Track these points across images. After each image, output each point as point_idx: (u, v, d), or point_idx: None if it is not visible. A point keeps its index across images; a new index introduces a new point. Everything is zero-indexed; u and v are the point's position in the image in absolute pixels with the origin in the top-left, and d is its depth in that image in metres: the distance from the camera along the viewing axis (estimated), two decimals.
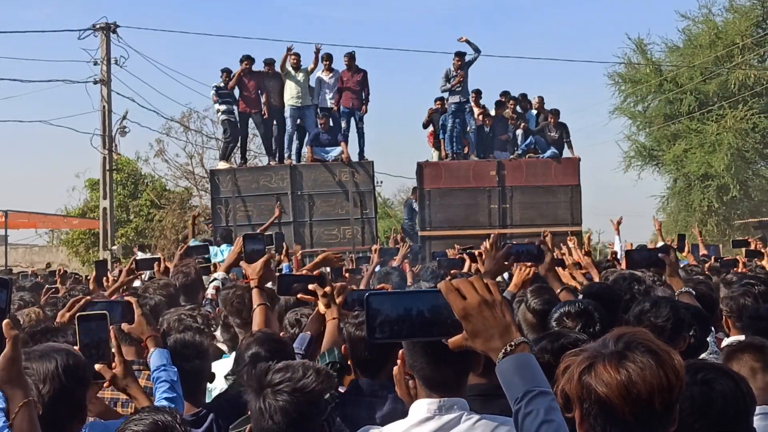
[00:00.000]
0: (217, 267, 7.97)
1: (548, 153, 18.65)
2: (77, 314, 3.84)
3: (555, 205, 18.46)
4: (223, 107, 18.18)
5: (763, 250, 9.82)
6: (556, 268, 6.09)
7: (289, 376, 3.10)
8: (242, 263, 5.55)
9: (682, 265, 7.98)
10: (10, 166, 75.23)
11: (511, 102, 19.38)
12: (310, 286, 4.74)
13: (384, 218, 37.49)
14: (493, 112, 19.12)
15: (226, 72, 18.10)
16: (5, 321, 2.53)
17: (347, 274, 10.04)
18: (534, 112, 19.65)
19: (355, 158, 18.34)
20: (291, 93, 17.93)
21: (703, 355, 4.65)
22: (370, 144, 20.04)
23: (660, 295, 5.35)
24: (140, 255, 12.74)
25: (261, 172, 18.86)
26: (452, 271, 7.41)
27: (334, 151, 18.12)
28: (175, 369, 4.10)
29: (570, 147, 18.90)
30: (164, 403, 3.79)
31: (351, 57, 18.27)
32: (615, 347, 2.23)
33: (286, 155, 18.37)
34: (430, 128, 19.81)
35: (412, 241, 18.33)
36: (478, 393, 3.08)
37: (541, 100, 19.70)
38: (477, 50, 18.29)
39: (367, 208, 18.25)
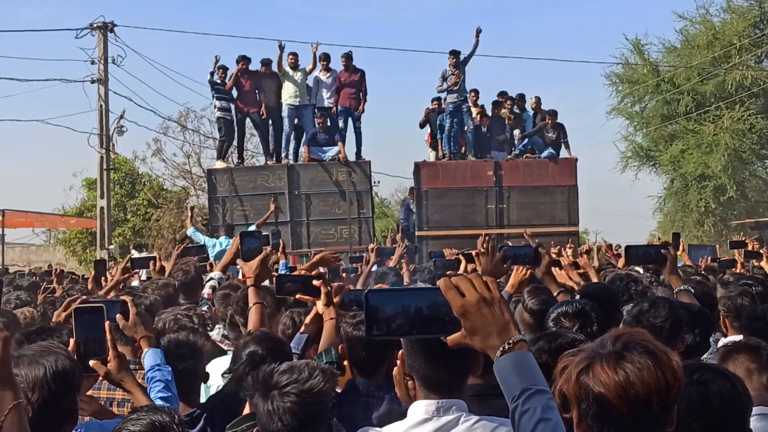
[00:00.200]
0: (214, 266, 7.97)
1: (545, 153, 18.66)
2: (74, 307, 3.83)
3: (552, 206, 18.47)
4: (219, 104, 18.17)
5: (762, 251, 9.82)
6: (553, 268, 6.10)
7: (296, 377, 3.10)
8: (239, 261, 5.54)
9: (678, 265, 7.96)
10: (7, 165, 75.22)
11: (509, 102, 19.37)
12: (315, 282, 4.74)
13: (381, 218, 37.52)
14: (490, 112, 19.12)
15: (223, 69, 18.08)
16: None
17: (344, 274, 10.06)
18: (531, 112, 19.65)
19: (352, 158, 18.33)
20: (289, 93, 17.94)
21: (705, 356, 4.65)
22: (367, 144, 20.07)
23: (658, 296, 5.35)
24: (136, 255, 12.74)
25: (258, 171, 18.85)
26: (448, 272, 7.41)
27: (331, 151, 18.11)
28: (170, 368, 4.09)
29: (567, 147, 18.91)
30: (159, 402, 3.78)
31: (348, 57, 18.27)
32: (613, 347, 2.22)
33: (283, 155, 18.37)
34: (428, 129, 19.78)
35: (408, 242, 18.32)
36: (475, 393, 3.07)
37: (538, 100, 19.68)
38: (475, 47, 18.29)
39: (364, 207, 18.25)
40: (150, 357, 4.10)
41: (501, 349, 2.18)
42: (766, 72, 34.99)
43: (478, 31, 18.16)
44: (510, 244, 10.22)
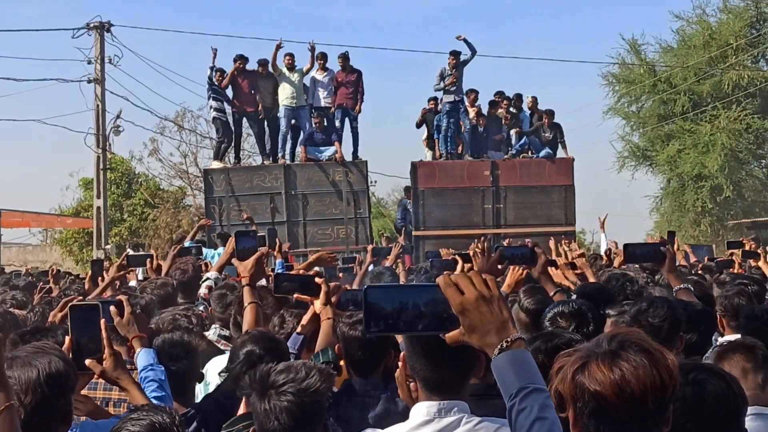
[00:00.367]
0: (209, 266, 7.97)
1: (542, 153, 18.68)
2: (69, 304, 3.82)
3: (549, 205, 18.49)
4: (215, 104, 18.17)
5: (759, 251, 9.82)
6: (549, 268, 6.09)
7: (293, 377, 3.11)
8: (234, 260, 5.54)
9: None
10: (3, 165, 75.04)
11: (505, 102, 19.39)
12: (318, 280, 4.73)
13: (378, 218, 37.49)
14: (486, 112, 19.13)
15: (220, 71, 18.08)
16: None
17: (341, 274, 10.05)
18: (528, 112, 19.66)
19: (348, 158, 18.37)
20: (285, 93, 17.94)
21: (707, 353, 4.64)
22: (364, 143, 20.07)
23: (657, 295, 5.35)
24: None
25: (255, 171, 18.87)
26: (445, 273, 7.38)
27: (328, 151, 18.12)
28: (163, 368, 4.09)
29: (564, 147, 18.93)
30: (153, 402, 3.77)
31: (345, 57, 18.30)
32: (609, 347, 2.22)
33: (279, 155, 18.37)
34: (425, 129, 19.77)
35: (406, 241, 18.33)
36: (472, 393, 3.06)
37: (534, 100, 19.70)
38: (473, 50, 18.29)
39: (361, 207, 18.27)
40: (143, 357, 4.09)
41: (499, 347, 2.17)
42: (763, 72, 35.03)
43: (458, 38, 18.23)
44: (505, 245, 10.23)
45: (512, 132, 19.27)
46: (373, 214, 22.06)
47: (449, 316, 2.22)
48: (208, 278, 6.74)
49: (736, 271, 9.20)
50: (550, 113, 18.90)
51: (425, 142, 19.88)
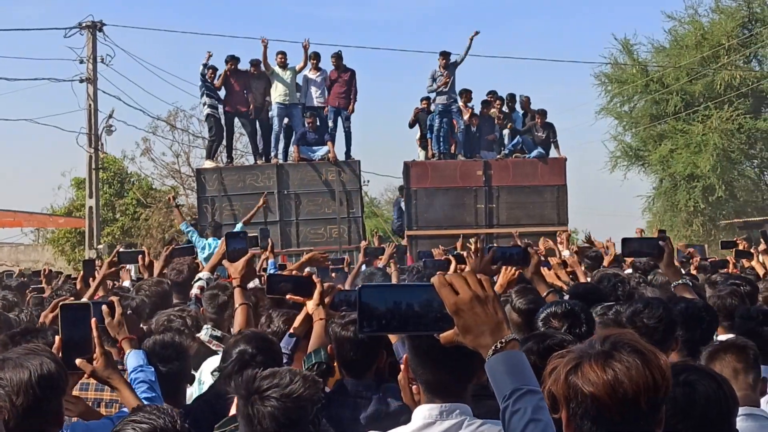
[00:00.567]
0: (200, 266, 7.95)
1: (535, 153, 18.67)
2: (60, 304, 3.81)
3: (541, 205, 18.49)
4: (208, 101, 18.14)
5: (753, 251, 9.84)
6: (542, 268, 6.09)
7: (277, 382, 3.12)
8: (225, 262, 5.54)
9: None
10: None
11: (498, 102, 19.39)
12: (315, 278, 4.72)
13: (371, 217, 37.48)
14: (479, 112, 19.13)
15: (212, 68, 18.06)
16: None
17: (334, 274, 10.04)
18: (521, 112, 19.67)
19: (341, 157, 18.33)
20: (278, 92, 17.91)
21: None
22: (356, 143, 20.06)
23: (652, 296, 5.36)
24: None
25: (247, 171, 18.83)
26: (439, 272, 7.36)
27: (321, 151, 18.10)
28: (153, 369, 4.07)
29: (556, 147, 18.93)
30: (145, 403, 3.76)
31: (338, 57, 18.28)
32: (601, 347, 2.22)
33: (272, 154, 18.35)
34: (418, 129, 19.77)
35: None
36: None
37: (527, 99, 19.70)
38: (466, 53, 18.30)
39: (354, 207, 18.25)
40: (132, 358, 4.08)
41: (493, 348, 2.17)
42: (755, 72, 35.14)
43: (474, 35, 18.20)
44: (496, 245, 10.22)
45: (505, 132, 19.27)
46: (365, 213, 22.01)
47: (443, 316, 2.21)
48: (200, 278, 6.73)
49: (730, 271, 9.20)
50: (543, 113, 18.91)
51: (418, 141, 19.87)
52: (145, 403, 3.70)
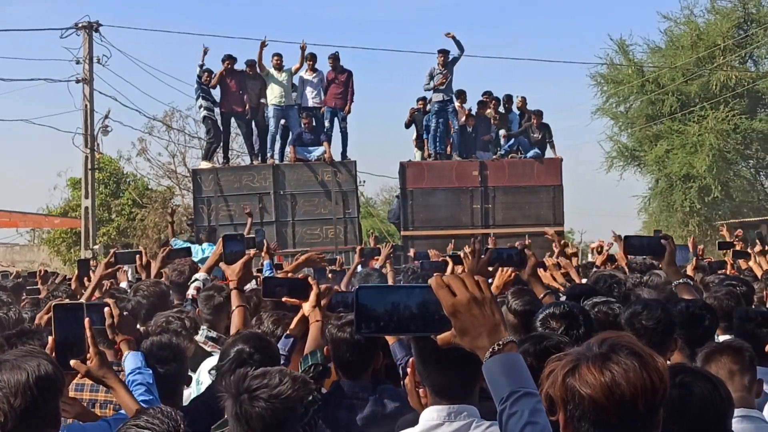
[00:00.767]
0: (197, 268, 7.94)
1: (531, 153, 18.70)
2: (53, 304, 3.81)
3: (537, 205, 18.50)
4: (204, 103, 18.13)
5: (750, 251, 9.84)
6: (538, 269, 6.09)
7: (266, 382, 3.12)
8: (221, 264, 5.53)
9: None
10: None
11: (494, 102, 19.40)
12: (310, 280, 4.72)
13: (366, 218, 37.47)
14: (475, 112, 19.14)
15: (208, 71, 18.05)
16: None
17: (330, 275, 10.03)
18: (517, 112, 19.68)
19: (337, 158, 18.35)
20: (274, 93, 17.92)
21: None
22: (352, 143, 20.04)
23: (650, 298, 5.36)
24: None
25: (243, 171, 18.83)
26: (437, 274, 7.35)
27: (317, 151, 18.11)
28: (150, 371, 4.07)
29: (552, 147, 18.95)
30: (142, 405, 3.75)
31: (335, 58, 18.28)
32: (599, 350, 2.21)
33: (268, 155, 18.35)
34: (414, 129, 19.76)
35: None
36: None
37: (523, 100, 19.71)
38: (461, 49, 18.26)
39: (350, 207, 18.25)
40: (130, 360, 4.07)
41: (490, 350, 2.17)
42: (750, 73, 35.17)
43: (447, 35, 18.19)
44: (489, 246, 10.21)
45: (501, 132, 19.29)
46: (361, 214, 22.03)
47: (441, 317, 2.21)
48: (196, 279, 6.72)
49: (728, 272, 9.19)
50: (539, 114, 18.93)
51: (414, 142, 19.88)
52: (143, 405, 3.70)
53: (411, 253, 13.90)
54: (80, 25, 25.65)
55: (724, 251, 10.85)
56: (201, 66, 18.04)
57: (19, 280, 12.96)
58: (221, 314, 6.17)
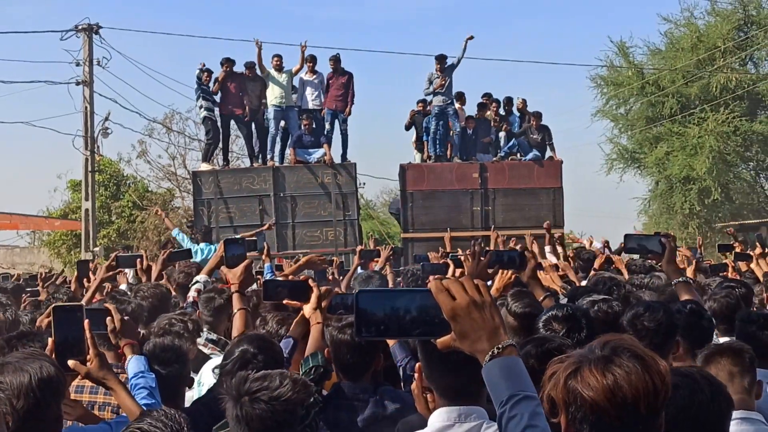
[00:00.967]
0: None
1: (531, 155, 18.70)
2: (53, 305, 3.81)
3: (537, 208, 18.48)
4: (205, 104, 18.13)
5: (751, 253, 9.83)
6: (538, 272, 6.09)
7: (266, 384, 3.14)
8: (222, 268, 5.53)
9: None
10: None
11: (494, 104, 19.41)
12: (311, 282, 4.72)
13: (366, 220, 37.47)
14: (475, 114, 19.15)
15: (208, 72, 18.06)
16: None
17: (330, 277, 10.03)
18: (517, 114, 19.68)
19: (337, 160, 18.34)
20: (274, 94, 17.93)
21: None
22: (352, 146, 20.04)
23: (652, 300, 5.36)
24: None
25: (243, 173, 18.83)
26: (437, 277, 7.34)
27: (317, 153, 18.10)
28: (153, 376, 4.07)
29: (552, 149, 18.95)
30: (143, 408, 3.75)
31: (336, 60, 18.27)
32: (601, 352, 2.22)
33: (269, 157, 18.35)
34: (414, 132, 19.76)
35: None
36: None
37: (524, 102, 19.72)
38: (462, 55, 18.29)
39: (350, 209, 18.24)
40: (134, 364, 4.07)
41: (490, 353, 2.18)
42: (750, 75, 35.19)
43: (469, 39, 18.18)
44: (486, 249, 10.19)
45: (501, 134, 19.29)
46: (361, 216, 22.01)
47: (440, 321, 2.22)
48: (197, 281, 6.73)
49: (730, 274, 9.18)
50: (538, 115, 18.92)
51: (414, 144, 19.88)
52: (144, 408, 3.70)
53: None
54: (80, 27, 25.64)
55: (724, 253, 10.85)
56: (201, 68, 18.04)
57: (20, 282, 12.96)
58: (221, 316, 6.19)
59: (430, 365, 2.74)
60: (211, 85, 18.03)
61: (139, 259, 7.83)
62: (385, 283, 8.95)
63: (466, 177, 18.43)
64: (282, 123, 18.27)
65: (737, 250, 10.57)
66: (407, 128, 19.84)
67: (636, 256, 10.47)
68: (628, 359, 2.18)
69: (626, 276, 8.36)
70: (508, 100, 19.77)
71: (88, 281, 7.90)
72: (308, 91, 18.19)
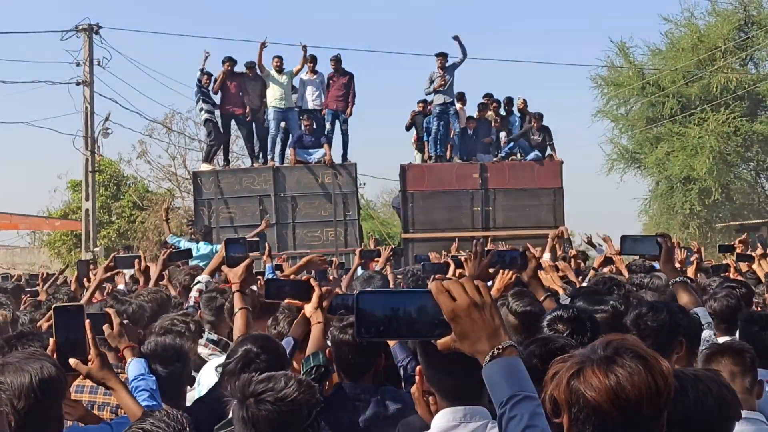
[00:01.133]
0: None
1: (531, 156, 18.70)
2: (54, 306, 3.81)
3: (538, 208, 18.49)
4: (205, 106, 18.12)
5: (754, 254, 9.81)
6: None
7: (272, 386, 3.15)
8: (224, 267, 5.53)
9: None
10: None
11: (494, 105, 19.41)
12: (312, 282, 4.72)
13: (367, 220, 37.48)
14: (476, 114, 19.16)
15: (207, 74, 18.05)
16: None
17: (331, 277, 10.03)
18: (517, 115, 19.68)
19: (338, 160, 18.35)
20: (274, 95, 17.93)
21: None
22: (353, 146, 20.05)
23: (655, 300, 5.35)
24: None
25: (244, 173, 18.83)
26: (437, 276, 7.36)
27: (317, 153, 18.10)
28: (154, 378, 4.07)
29: (553, 150, 18.94)
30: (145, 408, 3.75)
31: (337, 60, 18.28)
32: (604, 353, 2.21)
33: (269, 157, 18.35)
34: (415, 132, 19.77)
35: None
36: None
37: (524, 102, 19.71)
38: (464, 53, 18.22)
39: (350, 210, 18.24)
40: (134, 366, 4.07)
41: (490, 354, 2.17)
42: (751, 75, 35.20)
43: (455, 38, 18.16)
44: (487, 248, 10.19)
45: (501, 135, 19.29)
46: (362, 216, 22.00)
47: (441, 322, 2.21)
48: (199, 282, 6.72)
49: (732, 275, 9.16)
50: (539, 116, 18.91)
51: (414, 144, 19.88)
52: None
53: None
54: (80, 27, 25.68)
55: (725, 254, 10.83)
56: (201, 70, 18.04)
57: (20, 282, 12.95)
58: (223, 316, 6.18)
59: (430, 367, 2.74)
60: (210, 86, 18.01)
61: (137, 260, 7.82)
62: (387, 283, 8.94)
63: (467, 177, 18.43)
64: (282, 123, 18.26)
65: (738, 251, 10.53)
66: (408, 128, 19.86)
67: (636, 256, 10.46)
68: (630, 360, 2.17)
69: (626, 276, 8.35)
70: (509, 101, 19.78)
71: (89, 281, 7.90)
72: (309, 91, 18.19)
